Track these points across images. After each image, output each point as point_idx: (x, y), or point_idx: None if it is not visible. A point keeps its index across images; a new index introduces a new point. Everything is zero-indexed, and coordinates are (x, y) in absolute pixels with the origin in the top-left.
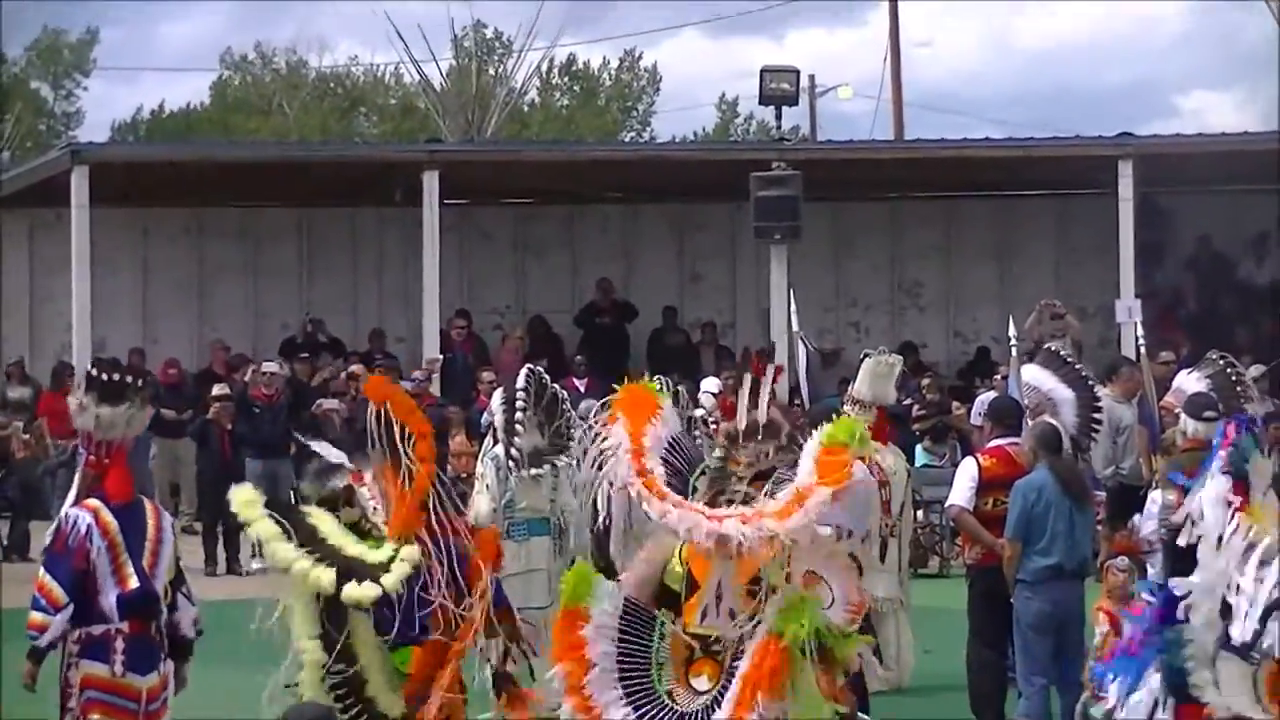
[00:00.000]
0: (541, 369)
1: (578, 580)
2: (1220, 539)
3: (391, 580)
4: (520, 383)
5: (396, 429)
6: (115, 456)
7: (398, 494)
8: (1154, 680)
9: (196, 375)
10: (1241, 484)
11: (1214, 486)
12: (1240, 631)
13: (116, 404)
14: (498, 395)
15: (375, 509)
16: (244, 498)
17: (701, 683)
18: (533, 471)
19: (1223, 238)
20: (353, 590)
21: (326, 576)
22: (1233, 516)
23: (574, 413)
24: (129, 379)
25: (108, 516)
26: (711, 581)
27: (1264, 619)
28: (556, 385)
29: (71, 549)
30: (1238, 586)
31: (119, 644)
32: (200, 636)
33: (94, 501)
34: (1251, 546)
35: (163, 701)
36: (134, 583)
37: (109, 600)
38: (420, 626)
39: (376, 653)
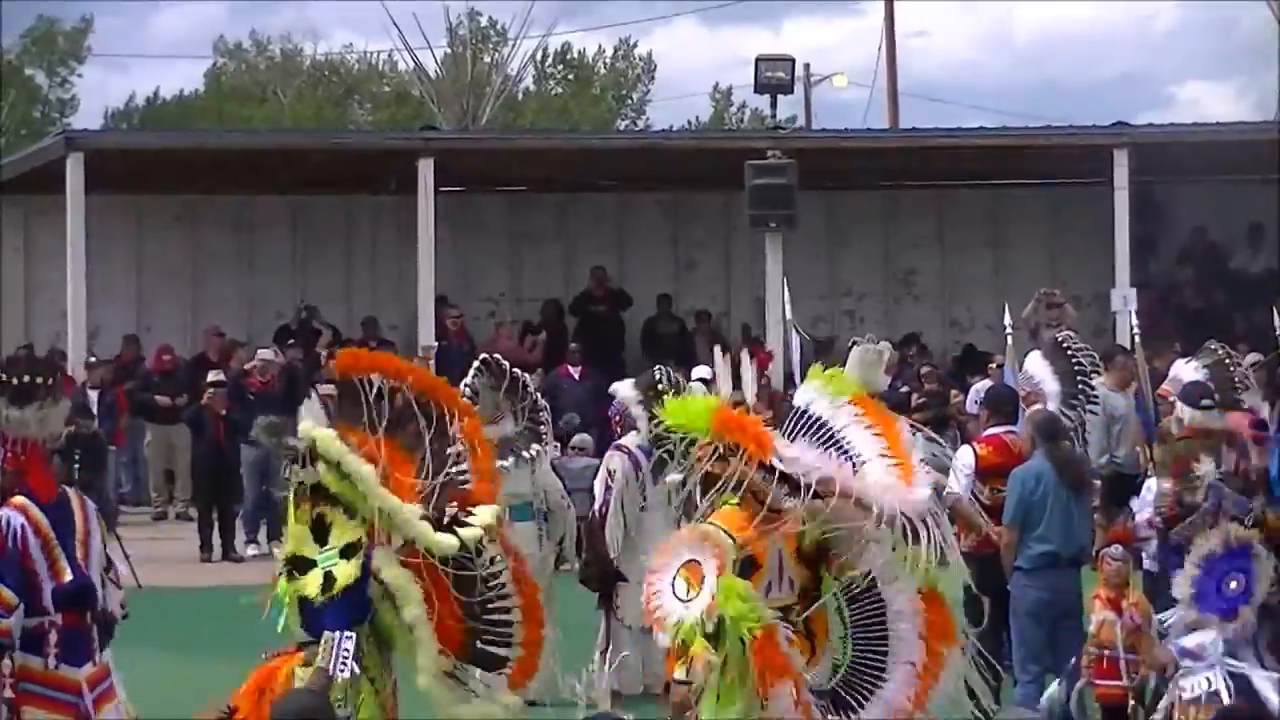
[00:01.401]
0: (498, 357)
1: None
2: None
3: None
4: (469, 376)
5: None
6: (32, 454)
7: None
8: None
9: (191, 362)
10: None
11: None
12: None
13: (25, 405)
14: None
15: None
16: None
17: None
18: (499, 464)
19: (1218, 228)
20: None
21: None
22: None
23: (540, 396)
24: (38, 379)
25: (37, 513)
26: (772, 557)
27: None
28: (516, 370)
29: (14, 550)
30: None
31: (53, 636)
32: (126, 619)
33: (21, 499)
34: None
35: (107, 688)
36: (69, 576)
37: (45, 594)
38: None
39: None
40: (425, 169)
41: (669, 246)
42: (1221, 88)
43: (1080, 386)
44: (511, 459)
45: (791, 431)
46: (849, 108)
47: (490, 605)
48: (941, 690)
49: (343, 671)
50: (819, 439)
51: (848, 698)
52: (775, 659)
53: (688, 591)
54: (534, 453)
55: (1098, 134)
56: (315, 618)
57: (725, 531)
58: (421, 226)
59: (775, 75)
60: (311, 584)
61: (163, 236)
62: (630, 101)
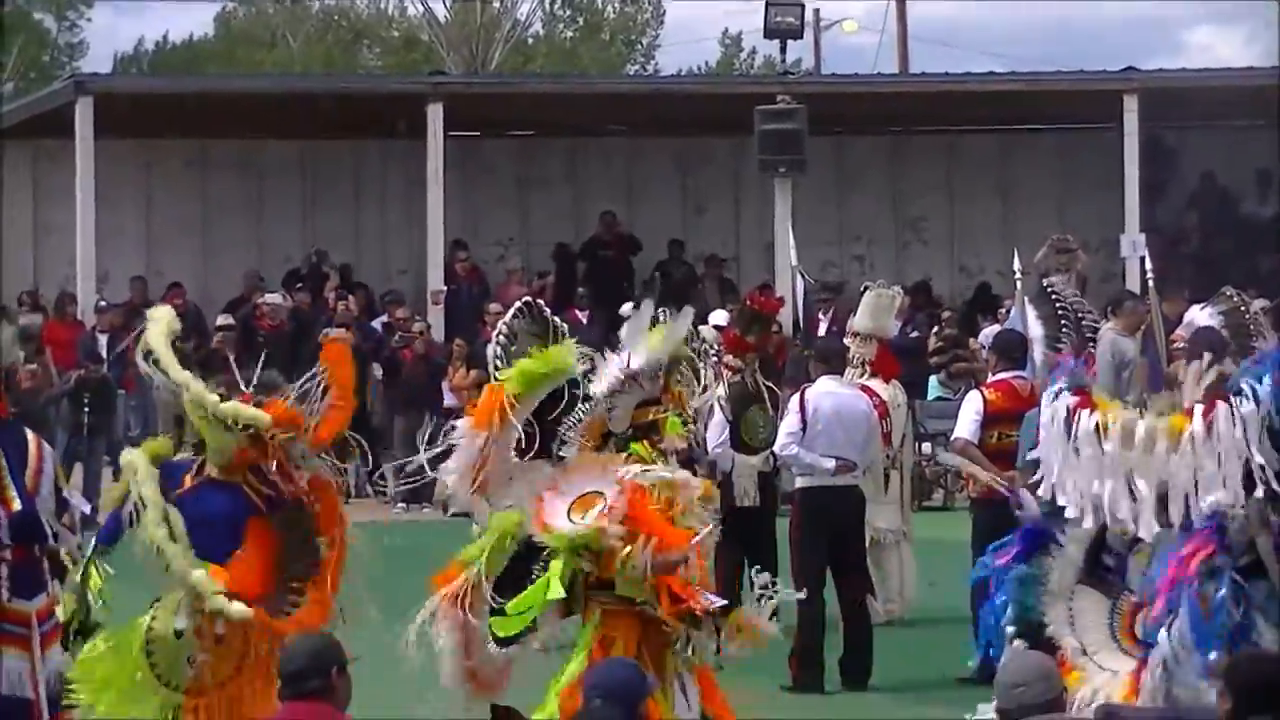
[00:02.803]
0: (541, 302)
1: None
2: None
3: None
4: (509, 315)
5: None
6: None
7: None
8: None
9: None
10: (1082, 391)
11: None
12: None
13: None
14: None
15: None
16: None
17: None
18: None
19: (1227, 173)
20: None
21: None
22: (1075, 416)
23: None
24: None
25: None
26: None
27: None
28: (557, 318)
29: None
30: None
31: (3, 570)
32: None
33: None
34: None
35: (54, 624)
36: (17, 505)
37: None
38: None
39: None
40: (434, 114)
41: (678, 192)
42: (1232, 33)
43: (1065, 330)
44: None
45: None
46: (858, 53)
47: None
48: None
49: None
50: None
51: None
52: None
53: (583, 516)
54: None
55: (1107, 79)
56: None
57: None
58: (431, 171)
59: (785, 20)
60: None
61: (172, 181)
62: (639, 46)
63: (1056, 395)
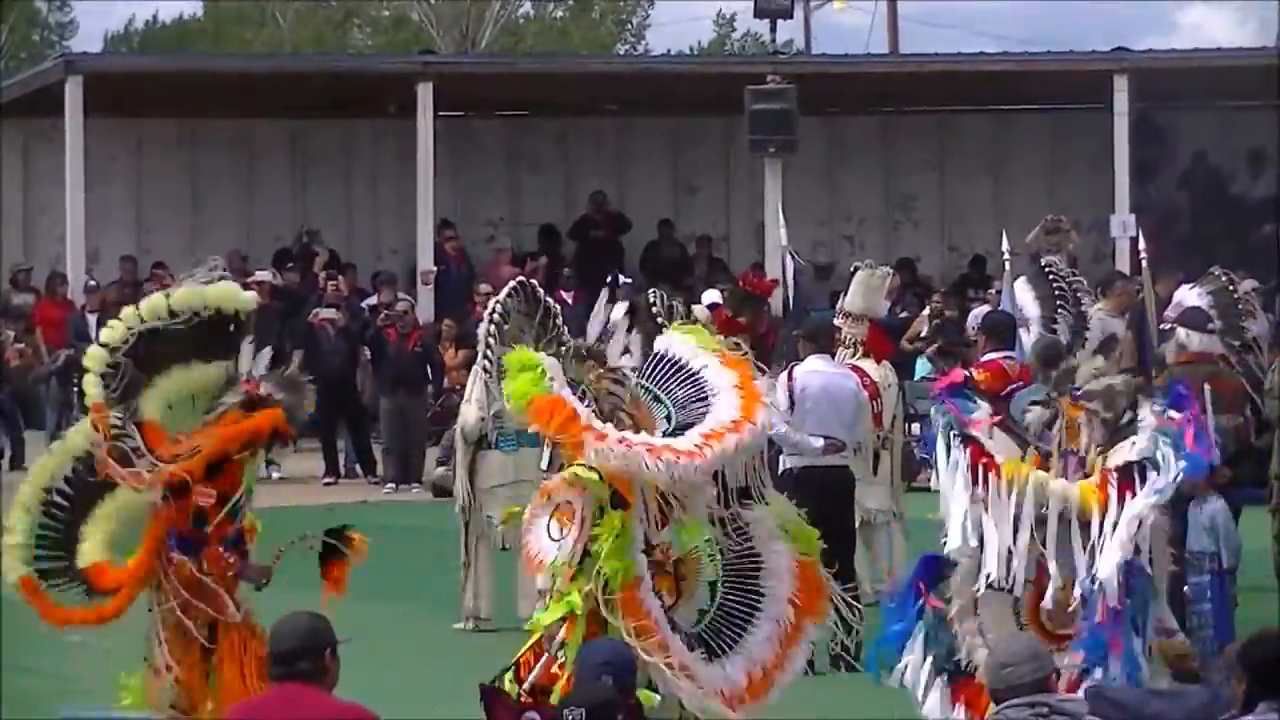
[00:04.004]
0: (534, 282)
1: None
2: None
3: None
4: (504, 294)
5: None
6: None
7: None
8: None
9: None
10: (974, 444)
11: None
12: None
13: None
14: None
15: None
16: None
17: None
18: None
19: (1218, 153)
20: None
21: None
22: (978, 472)
23: (566, 330)
24: None
25: None
26: (639, 494)
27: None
28: (549, 299)
29: None
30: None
31: None
32: None
33: None
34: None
35: None
36: None
37: None
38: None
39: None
40: (424, 93)
41: (669, 171)
42: (1223, 13)
43: (1060, 311)
44: None
45: (653, 373)
46: (850, 32)
47: None
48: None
49: None
50: (678, 378)
51: (711, 643)
52: (636, 610)
53: (561, 532)
54: None
55: (1098, 59)
56: None
57: (595, 471)
58: (421, 151)
59: (775, 0)
60: None
61: (162, 160)
62: (630, 26)
63: (948, 436)
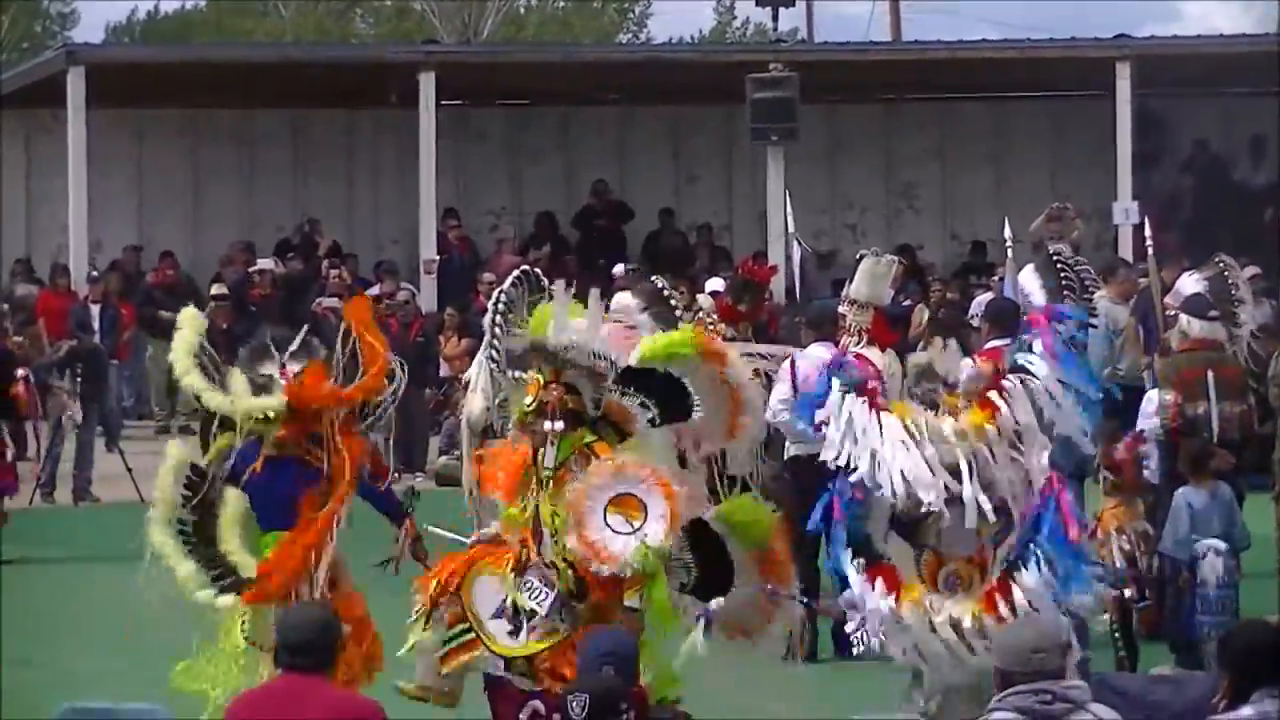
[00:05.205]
0: (539, 271)
1: None
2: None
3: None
4: (508, 283)
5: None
6: None
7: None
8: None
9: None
10: (869, 390)
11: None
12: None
13: None
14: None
15: None
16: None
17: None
18: (514, 374)
19: (1221, 140)
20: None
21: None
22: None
23: None
24: None
25: None
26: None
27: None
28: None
29: None
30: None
31: None
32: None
33: None
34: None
35: None
36: None
37: None
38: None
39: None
40: (426, 82)
41: (671, 160)
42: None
43: (1069, 300)
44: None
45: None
46: (851, 20)
47: None
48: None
49: None
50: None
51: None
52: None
53: (630, 522)
54: None
55: (1100, 46)
56: None
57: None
58: (423, 140)
59: None
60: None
61: (164, 150)
62: (632, 15)
63: (843, 393)
